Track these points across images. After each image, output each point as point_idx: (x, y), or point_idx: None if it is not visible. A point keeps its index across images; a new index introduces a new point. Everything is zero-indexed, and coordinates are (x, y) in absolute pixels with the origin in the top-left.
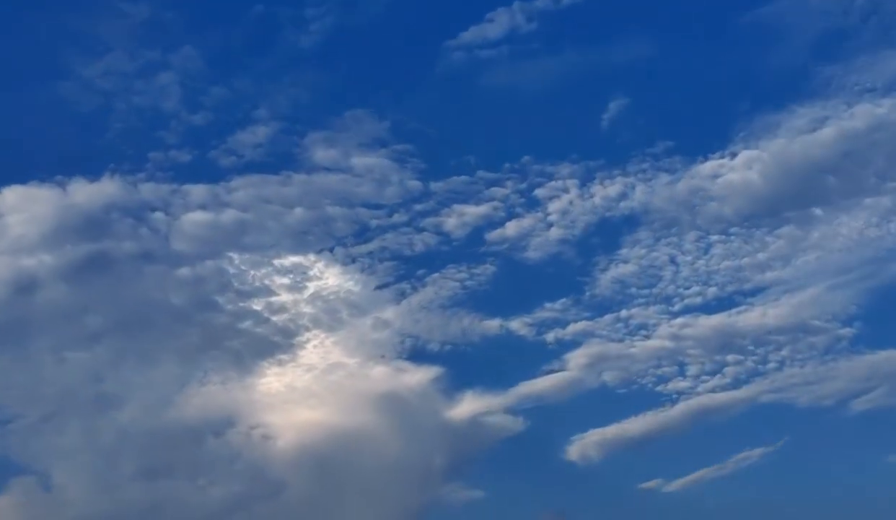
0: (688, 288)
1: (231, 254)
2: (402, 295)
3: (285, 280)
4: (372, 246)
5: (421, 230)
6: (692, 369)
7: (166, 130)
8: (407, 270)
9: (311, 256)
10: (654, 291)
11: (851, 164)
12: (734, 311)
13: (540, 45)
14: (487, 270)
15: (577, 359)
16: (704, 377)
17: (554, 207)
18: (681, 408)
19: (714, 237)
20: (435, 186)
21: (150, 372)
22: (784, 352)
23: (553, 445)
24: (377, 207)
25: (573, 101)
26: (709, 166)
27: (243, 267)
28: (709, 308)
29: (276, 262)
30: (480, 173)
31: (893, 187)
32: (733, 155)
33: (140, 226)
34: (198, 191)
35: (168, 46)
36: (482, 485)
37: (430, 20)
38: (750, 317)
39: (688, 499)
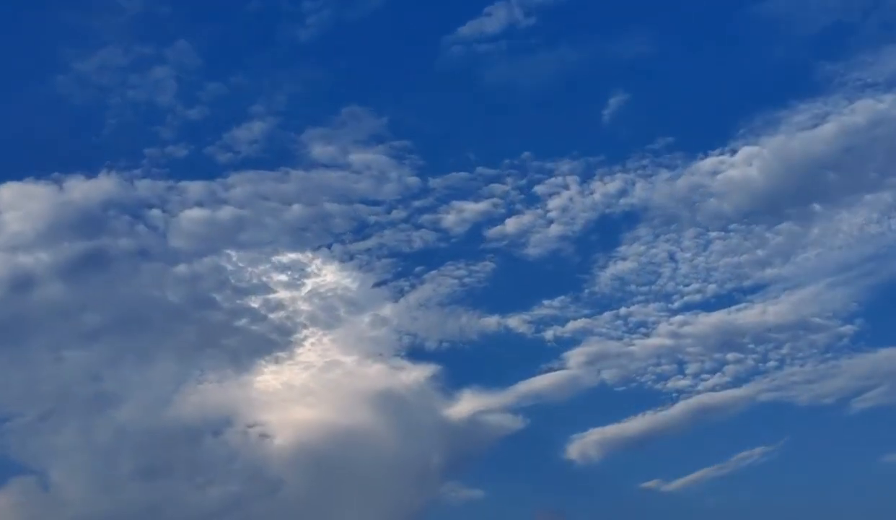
0: (687, 285)
1: (228, 251)
2: (401, 292)
3: (283, 277)
4: (370, 243)
5: (419, 227)
6: (692, 368)
7: (162, 125)
8: (405, 268)
9: (309, 253)
10: (654, 288)
11: (852, 160)
12: (734, 308)
13: (539, 40)
14: (486, 267)
15: (576, 357)
16: (704, 375)
17: (554, 203)
18: (680, 407)
19: (714, 234)
20: (434, 182)
21: (147, 370)
22: (784, 350)
23: (552, 443)
24: (375, 203)
25: (573, 97)
26: (709, 163)
27: (241, 264)
28: (708, 306)
29: (274, 259)
30: (479, 170)
31: (894, 183)
32: (733, 151)
33: (137, 223)
34: (195, 187)
35: (163, 41)
36: (481, 484)
37: (427, 15)
38: (750, 314)
39: (688, 498)
